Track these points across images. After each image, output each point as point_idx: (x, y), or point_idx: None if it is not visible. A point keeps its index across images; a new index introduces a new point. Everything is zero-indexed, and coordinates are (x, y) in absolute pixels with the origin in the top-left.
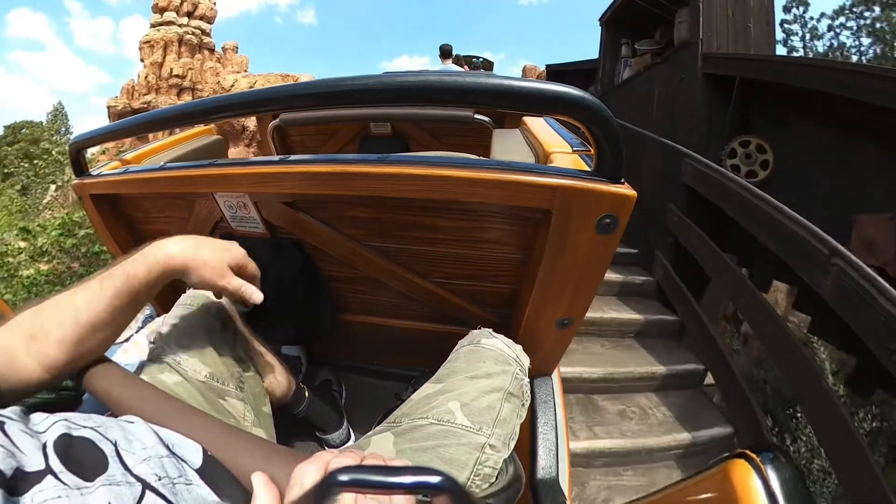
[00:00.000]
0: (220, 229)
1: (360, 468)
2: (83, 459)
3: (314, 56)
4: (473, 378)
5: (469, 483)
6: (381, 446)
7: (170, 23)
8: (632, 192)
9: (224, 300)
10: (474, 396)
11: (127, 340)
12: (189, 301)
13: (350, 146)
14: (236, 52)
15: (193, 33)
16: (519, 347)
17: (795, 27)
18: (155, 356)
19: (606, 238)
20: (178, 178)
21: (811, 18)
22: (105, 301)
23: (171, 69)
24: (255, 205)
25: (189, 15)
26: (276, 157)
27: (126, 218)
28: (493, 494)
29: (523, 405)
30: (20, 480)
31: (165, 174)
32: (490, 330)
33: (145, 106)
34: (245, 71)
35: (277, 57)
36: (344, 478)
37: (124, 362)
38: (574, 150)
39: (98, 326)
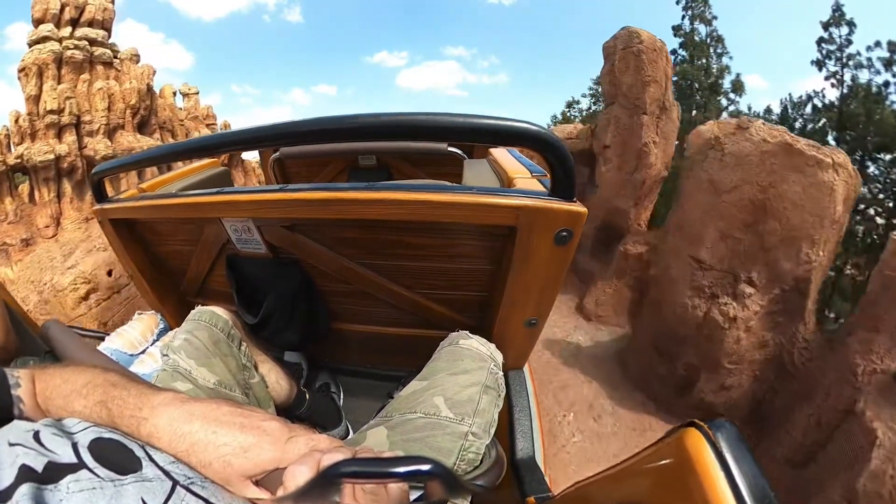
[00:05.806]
0: (227, 250)
1: (356, 461)
2: (115, 457)
3: (298, 53)
4: (454, 375)
5: (455, 468)
6: (375, 439)
7: (45, 38)
8: (583, 209)
9: (230, 314)
10: (456, 391)
11: (143, 352)
12: (198, 316)
13: (340, 177)
14: (137, 62)
15: (77, 47)
16: (493, 346)
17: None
18: (168, 367)
19: (564, 248)
20: (189, 204)
21: (848, 42)
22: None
23: (46, 103)
24: (257, 228)
25: (74, 23)
26: (276, 186)
27: (142, 240)
28: (479, 476)
29: (499, 396)
30: (54, 472)
31: (178, 201)
32: (467, 332)
33: (19, 161)
34: (149, 82)
35: (264, 55)
36: (345, 469)
37: (141, 373)
38: (533, 175)
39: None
